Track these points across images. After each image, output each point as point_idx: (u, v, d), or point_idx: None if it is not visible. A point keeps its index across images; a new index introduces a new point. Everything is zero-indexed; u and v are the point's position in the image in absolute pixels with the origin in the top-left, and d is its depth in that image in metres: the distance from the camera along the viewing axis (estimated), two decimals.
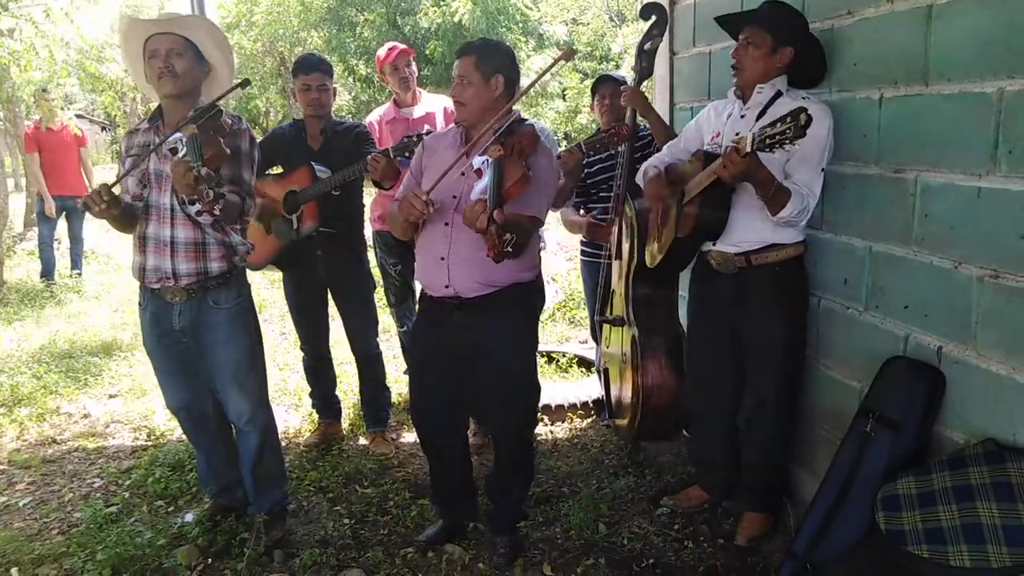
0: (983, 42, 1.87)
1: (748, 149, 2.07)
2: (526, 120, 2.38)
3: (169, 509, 2.94)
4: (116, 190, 2.28)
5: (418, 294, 2.61)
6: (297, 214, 3.08)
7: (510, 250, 2.04)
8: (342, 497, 2.99)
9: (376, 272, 3.61)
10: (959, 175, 1.96)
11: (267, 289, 6.24)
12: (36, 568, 2.53)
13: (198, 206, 2.17)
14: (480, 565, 2.53)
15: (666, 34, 3.17)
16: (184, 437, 2.88)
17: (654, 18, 3.01)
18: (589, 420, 3.71)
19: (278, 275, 3.54)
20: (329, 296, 3.38)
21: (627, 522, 2.75)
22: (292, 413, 3.91)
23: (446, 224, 2.31)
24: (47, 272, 6.92)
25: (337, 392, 3.62)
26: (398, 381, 4.01)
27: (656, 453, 3.28)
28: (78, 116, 10.87)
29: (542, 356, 4.31)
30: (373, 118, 3.57)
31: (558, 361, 4.41)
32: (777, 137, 1.97)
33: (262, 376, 2.64)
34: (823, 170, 2.30)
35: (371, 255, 3.51)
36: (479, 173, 2.14)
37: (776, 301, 2.44)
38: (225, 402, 2.56)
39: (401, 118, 3.47)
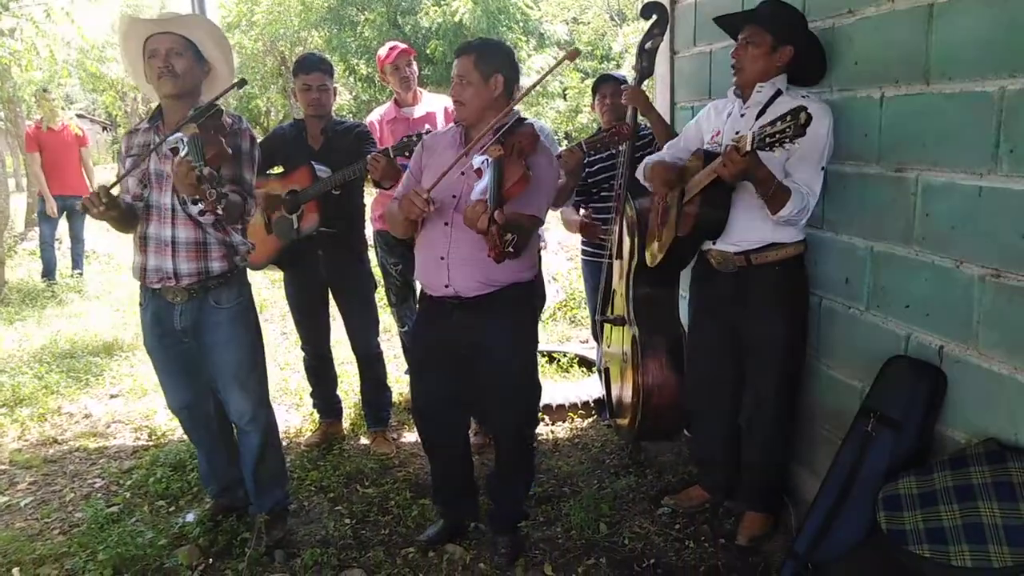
0: (984, 41, 1.87)
1: (748, 148, 2.07)
2: (526, 119, 2.38)
3: (170, 509, 2.94)
4: (116, 191, 2.28)
5: (418, 294, 2.61)
6: (298, 214, 3.09)
7: (511, 250, 2.03)
8: (343, 497, 3.00)
9: (377, 272, 3.61)
10: (960, 174, 1.96)
11: (268, 289, 6.25)
12: (37, 568, 2.54)
13: (200, 206, 2.17)
14: (481, 565, 2.53)
15: (667, 33, 3.17)
16: (185, 437, 2.89)
17: (655, 17, 3.00)
18: (590, 420, 3.71)
19: (279, 275, 3.54)
20: (330, 296, 3.38)
21: (628, 522, 2.75)
22: (293, 413, 3.92)
23: (446, 224, 2.31)
24: (48, 272, 6.92)
25: (338, 392, 3.62)
26: (399, 381, 4.01)
27: (657, 453, 3.27)
28: (79, 116, 10.88)
29: (543, 356, 4.31)
30: (374, 118, 3.57)
31: (559, 361, 4.41)
32: (777, 136, 1.97)
33: (263, 376, 2.64)
34: (823, 169, 2.30)
35: (372, 255, 3.52)
36: (479, 173, 2.13)
37: (776, 300, 2.43)
38: (226, 402, 2.56)
39: (402, 118, 3.47)
